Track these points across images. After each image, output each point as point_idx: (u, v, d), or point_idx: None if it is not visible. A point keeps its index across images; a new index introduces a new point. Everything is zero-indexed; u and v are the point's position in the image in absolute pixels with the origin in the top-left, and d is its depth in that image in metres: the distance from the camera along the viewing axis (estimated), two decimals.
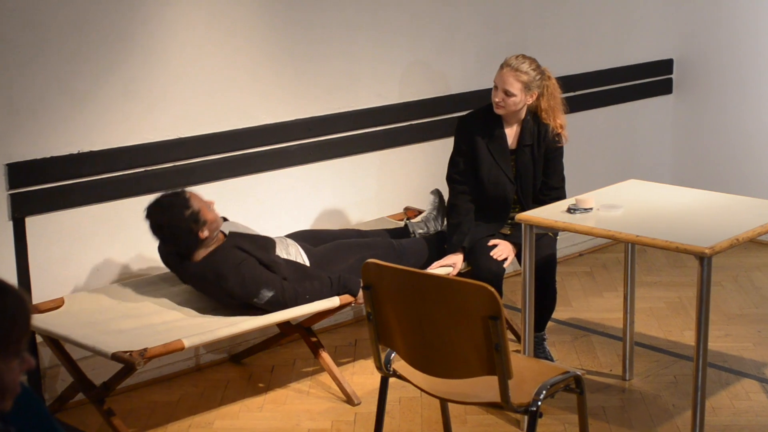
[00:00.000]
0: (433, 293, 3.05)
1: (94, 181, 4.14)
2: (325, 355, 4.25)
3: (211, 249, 4.03)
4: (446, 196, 4.66)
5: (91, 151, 4.11)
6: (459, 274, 4.36)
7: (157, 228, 3.99)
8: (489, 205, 4.45)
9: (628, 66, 6.04)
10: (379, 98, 4.98)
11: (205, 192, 4.41)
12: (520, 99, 4.28)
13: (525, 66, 4.26)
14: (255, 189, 4.63)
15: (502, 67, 4.30)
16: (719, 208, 4.00)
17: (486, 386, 3.10)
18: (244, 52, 4.50)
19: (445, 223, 4.64)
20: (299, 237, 4.41)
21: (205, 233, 3.98)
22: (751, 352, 4.62)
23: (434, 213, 4.71)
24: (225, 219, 4.24)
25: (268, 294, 3.95)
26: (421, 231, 4.63)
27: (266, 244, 4.17)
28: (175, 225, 3.96)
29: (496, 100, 4.31)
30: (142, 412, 4.14)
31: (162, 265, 4.33)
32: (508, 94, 4.27)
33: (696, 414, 3.63)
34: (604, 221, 3.80)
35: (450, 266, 4.36)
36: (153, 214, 3.99)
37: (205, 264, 4.01)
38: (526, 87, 4.26)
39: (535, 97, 4.32)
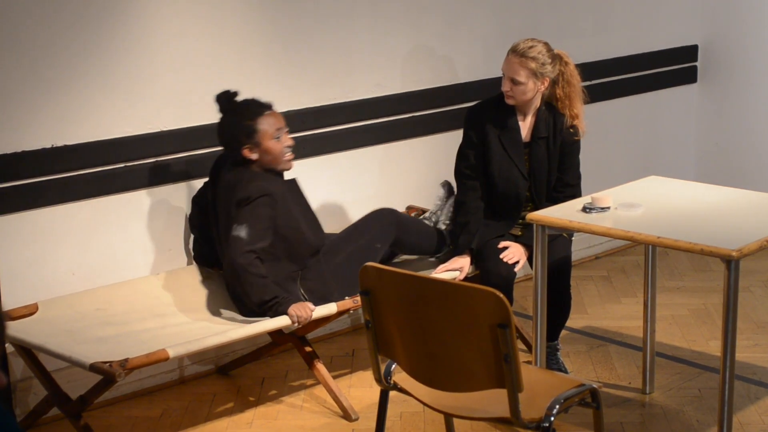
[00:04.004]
0: (437, 299, 3.06)
1: (70, 177, 4.14)
2: (320, 367, 4.26)
3: (256, 171, 4.14)
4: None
5: (65, 146, 4.12)
6: (466, 278, 4.37)
7: (221, 111, 4.16)
8: (499, 203, 4.46)
9: (649, 53, 6.05)
10: (378, 88, 4.99)
11: (189, 189, 4.43)
12: (528, 87, 4.29)
13: (533, 51, 4.26)
14: None
15: (508, 53, 4.32)
16: (747, 207, 4.01)
17: (494, 400, 3.11)
18: (233, 39, 4.51)
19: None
20: None
21: (251, 155, 4.11)
22: None
23: (443, 208, 4.69)
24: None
25: (242, 233, 4.00)
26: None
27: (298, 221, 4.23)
28: (227, 122, 4.14)
29: (505, 89, 4.32)
30: (121, 429, 4.15)
31: (144, 267, 4.35)
32: (515, 82, 4.29)
33: (722, 431, 3.64)
34: (623, 221, 3.81)
35: (457, 270, 4.37)
36: (226, 102, 4.16)
37: (238, 173, 4.11)
38: (534, 74, 4.27)
39: (546, 83, 4.33)
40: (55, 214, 4.14)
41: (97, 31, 4.13)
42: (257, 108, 4.15)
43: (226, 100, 4.17)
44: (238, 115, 4.13)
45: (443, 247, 4.61)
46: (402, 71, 5.06)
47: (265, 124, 4.12)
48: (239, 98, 4.19)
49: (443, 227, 4.64)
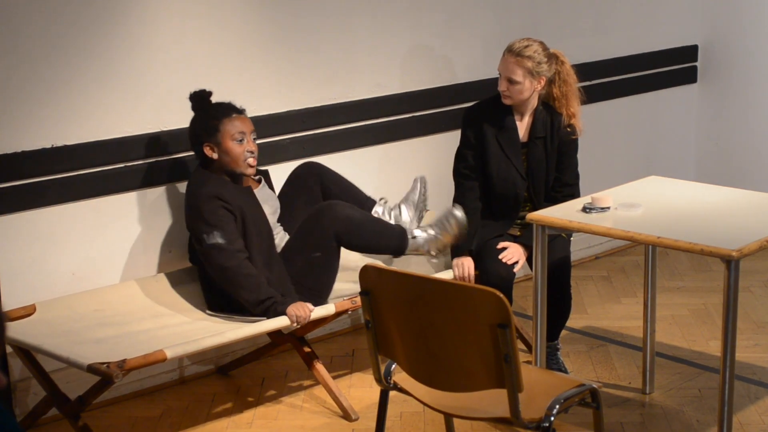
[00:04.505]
0: (437, 299, 3.06)
1: (69, 177, 4.14)
2: (320, 367, 4.26)
3: (212, 176, 4.12)
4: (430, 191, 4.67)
5: (65, 146, 4.12)
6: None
7: (193, 110, 4.19)
8: (498, 203, 4.46)
9: (649, 53, 6.05)
10: (378, 88, 4.99)
11: None
12: (525, 86, 4.29)
13: (528, 50, 4.27)
14: None
15: (504, 53, 4.32)
16: (748, 207, 4.00)
17: (494, 400, 3.11)
18: (233, 39, 4.51)
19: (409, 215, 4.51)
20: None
21: (212, 154, 4.11)
22: None
23: (417, 204, 4.52)
24: (265, 174, 4.41)
25: (218, 239, 3.99)
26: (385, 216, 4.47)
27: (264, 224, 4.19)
28: (195, 119, 4.17)
29: (501, 89, 4.33)
30: (121, 429, 4.15)
31: (144, 268, 4.34)
32: (511, 81, 4.29)
33: (722, 431, 3.64)
34: (623, 221, 3.81)
35: (465, 276, 4.32)
36: (198, 101, 4.18)
37: (195, 176, 4.14)
38: (531, 73, 4.27)
39: (543, 83, 4.33)
40: (55, 214, 4.13)
41: (97, 31, 4.13)
42: (226, 110, 4.16)
43: (198, 98, 4.19)
44: (206, 113, 4.15)
45: (405, 247, 4.32)
46: (402, 71, 5.06)
47: (229, 125, 4.12)
48: (215, 99, 4.20)
49: (415, 227, 4.41)
